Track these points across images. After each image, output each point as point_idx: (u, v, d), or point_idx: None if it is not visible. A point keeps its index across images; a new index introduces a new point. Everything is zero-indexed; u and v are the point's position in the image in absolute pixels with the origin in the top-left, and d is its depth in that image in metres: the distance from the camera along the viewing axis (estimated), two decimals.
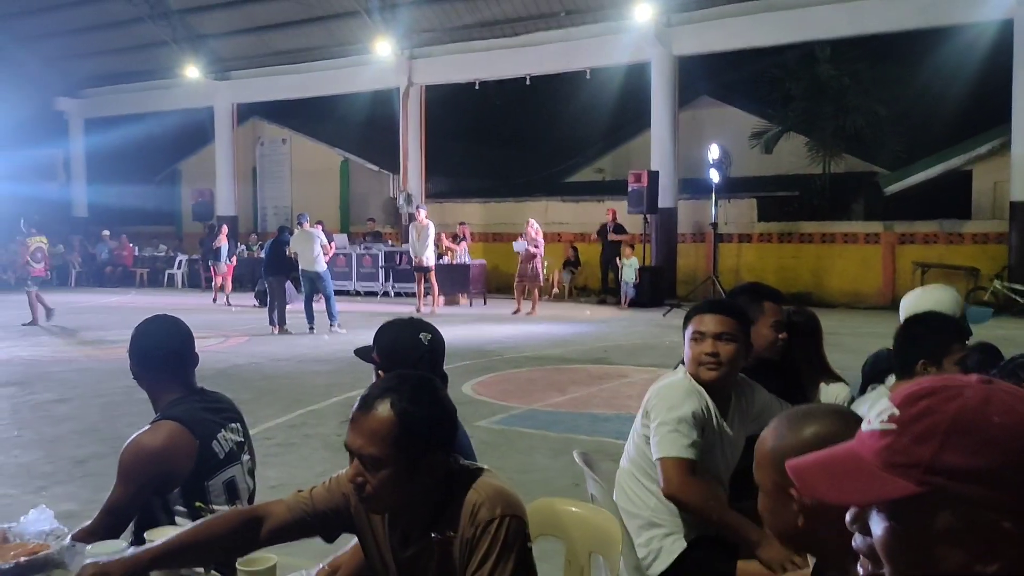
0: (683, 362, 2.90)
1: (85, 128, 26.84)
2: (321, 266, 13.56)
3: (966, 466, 0.89)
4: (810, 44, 18.45)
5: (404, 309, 15.83)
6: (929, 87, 20.49)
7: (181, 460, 2.56)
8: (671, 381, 2.83)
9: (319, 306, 13.66)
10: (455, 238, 18.13)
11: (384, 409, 1.83)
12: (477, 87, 20.82)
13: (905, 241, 17.40)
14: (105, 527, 2.48)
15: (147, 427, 2.62)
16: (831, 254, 18.11)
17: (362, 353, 2.69)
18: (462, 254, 17.97)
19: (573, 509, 2.51)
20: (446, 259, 18.40)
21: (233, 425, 2.75)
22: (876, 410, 0.99)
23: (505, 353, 11.06)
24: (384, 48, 20.33)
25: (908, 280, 16.63)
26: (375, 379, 2.61)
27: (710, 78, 22.70)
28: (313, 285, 13.61)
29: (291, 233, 14.24)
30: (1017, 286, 15.03)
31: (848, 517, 1.00)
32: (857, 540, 1.00)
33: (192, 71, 23.13)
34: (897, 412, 0.95)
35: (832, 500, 0.98)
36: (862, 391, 3.71)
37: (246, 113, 25.14)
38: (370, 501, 1.89)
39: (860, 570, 1.01)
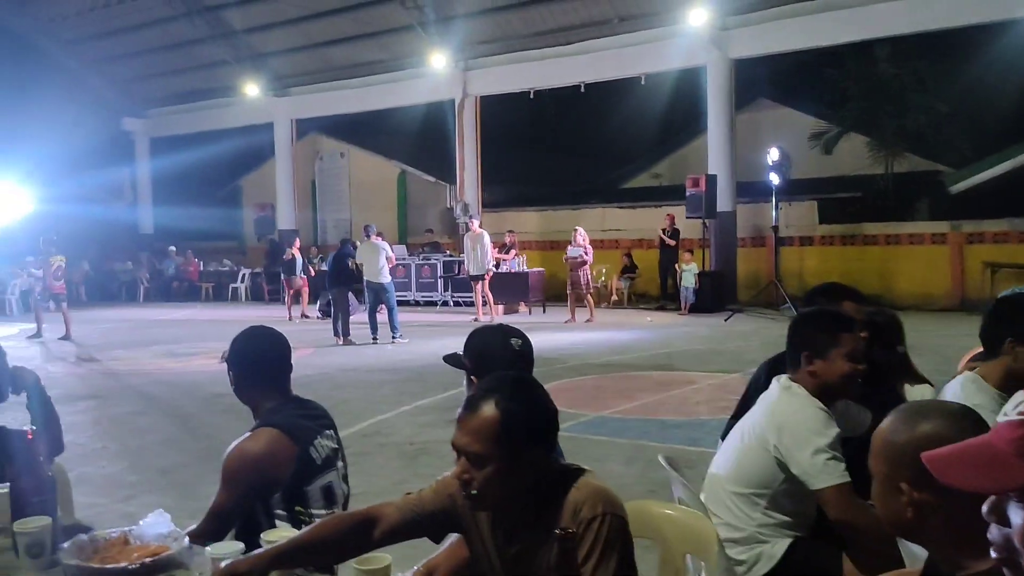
0: (773, 370, 2.87)
1: (151, 147, 27.60)
2: (386, 278, 13.77)
3: None
4: (869, 43, 18.16)
5: (462, 319, 15.97)
6: (992, 83, 20.02)
7: (281, 465, 2.65)
8: (802, 402, 2.73)
9: (382, 317, 13.85)
10: (503, 247, 18.24)
11: (488, 408, 1.92)
12: (531, 96, 20.92)
13: (974, 241, 17.02)
14: (210, 530, 2.59)
15: (248, 433, 2.72)
16: (897, 256, 17.78)
17: (452, 360, 2.75)
18: (512, 262, 18.10)
19: (667, 511, 2.54)
20: (503, 267, 18.53)
21: (328, 432, 2.84)
22: (1014, 402, 1.03)
23: (569, 361, 11.10)
24: (439, 61, 20.56)
25: (978, 281, 16.27)
26: (466, 385, 2.69)
27: (767, 80, 22.49)
28: (377, 296, 13.81)
29: (354, 245, 14.48)
30: None
31: (985, 508, 1.03)
32: (993, 531, 1.03)
33: (252, 89, 23.66)
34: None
35: (967, 488, 1.02)
36: None
37: (305, 128, 25.61)
38: (475, 499, 1.96)
39: (993, 555, 1.04)
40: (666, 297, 18.57)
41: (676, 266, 17.84)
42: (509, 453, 1.91)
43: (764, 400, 2.85)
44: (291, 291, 18.73)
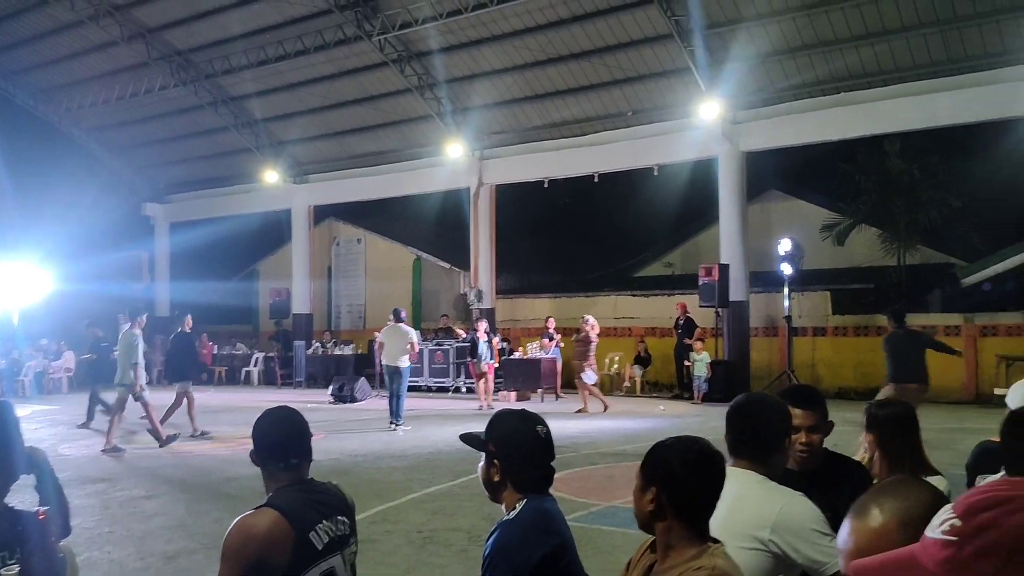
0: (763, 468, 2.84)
1: (170, 231, 28.02)
2: (404, 363, 13.75)
3: None
4: (879, 138, 18.45)
5: (474, 405, 15.91)
6: (1005, 178, 20.20)
7: (279, 549, 2.63)
8: (783, 491, 2.71)
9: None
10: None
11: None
12: (546, 185, 21.25)
13: (987, 334, 16.94)
14: None
15: (251, 512, 2.72)
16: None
17: (472, 441, 2.73)
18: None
19: None
20: (518, 354, 18.54)
21: (339, 517, 2.83)
22: (939, 518, 0.98)
23: (581, 449, 11.00)
24: (456, 150, 21.00)
25: (992, 374, 16.12)
26: (484, 468, 2.67)
27: (778, 172, 22.79)
28: (392, 380, 13.75)
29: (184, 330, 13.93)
30: None
31: None
32: None
33: (272, 175, 24.14)
34: (959, 523, 0.95)
35: None
36: (969, 485, 3.65)
37: (322, 214, 26.02)
38: None
39: None
40: (682, 386, 18.48)
41: (686, 359, 17.79)
42: None
43: (738, 499, 2.69)
44: (478, 376, 16.94)
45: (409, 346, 13.79)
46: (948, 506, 0.99)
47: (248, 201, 25.72)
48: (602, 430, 13.19)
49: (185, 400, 13.03)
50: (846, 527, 1.23)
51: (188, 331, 14.12)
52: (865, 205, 20.11)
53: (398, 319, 14.05)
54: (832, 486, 3.03)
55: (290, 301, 24.95)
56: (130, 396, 11.93)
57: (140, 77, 23.26)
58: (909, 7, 15.61)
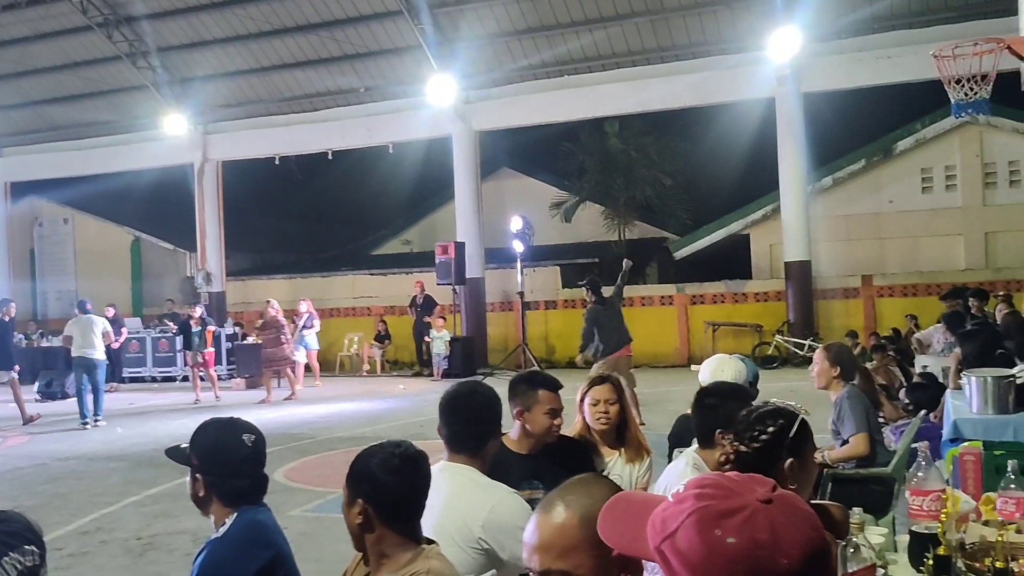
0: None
1: None
2: (98, 354, 12.58)
3: (683, 558, 1.00)
4: (600, 120, 19.51)
5: (203, 396, 15.06)
6: (709, 158, 22.14)
7: None
8: (495, 488, 2.71)
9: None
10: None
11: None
12: (277, 162, 20.44)
13: (696, 302, 18.50)
14: None
15: None
16: (631, 317, 18.67)
17: (177, 455, 2.49)
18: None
19: None
20: (251, 339, 17.73)
21: (27, 547, 2.48)
22: (683, 482, 1.10)
23: (317, 435, 10.71)
24: (176, 123, 19.60)
25: (702, 339, 17.67)
26: (190, 482, 2.46)
27: (510, 151, 23.46)
28: (88, 373, 12.53)
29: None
30: (796, 339, 16.30)
31: None
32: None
33: None
34: (680, 491, 1.07)
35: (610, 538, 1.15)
36: (669, 456, 3.88)
37: (21, 192, 23.39)
38: None
39: None
40: (422, 363, 18.57)
41: (426, 336, 17.89)
42: None
43: (451, 497, 2.67)
44: (195, 366, 15.53)
45: (104, 336, 12.71)
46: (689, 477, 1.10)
47: None
48: (341, 413, 12.94)
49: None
50: (532, 522, 1.33)
51: (7, 320, 13.19)
52: (589, 183, 21.21)
53: (83, 310, 12.92)
54: (561, 466, 3.07)
55: None
56: None
57: None
58: None
